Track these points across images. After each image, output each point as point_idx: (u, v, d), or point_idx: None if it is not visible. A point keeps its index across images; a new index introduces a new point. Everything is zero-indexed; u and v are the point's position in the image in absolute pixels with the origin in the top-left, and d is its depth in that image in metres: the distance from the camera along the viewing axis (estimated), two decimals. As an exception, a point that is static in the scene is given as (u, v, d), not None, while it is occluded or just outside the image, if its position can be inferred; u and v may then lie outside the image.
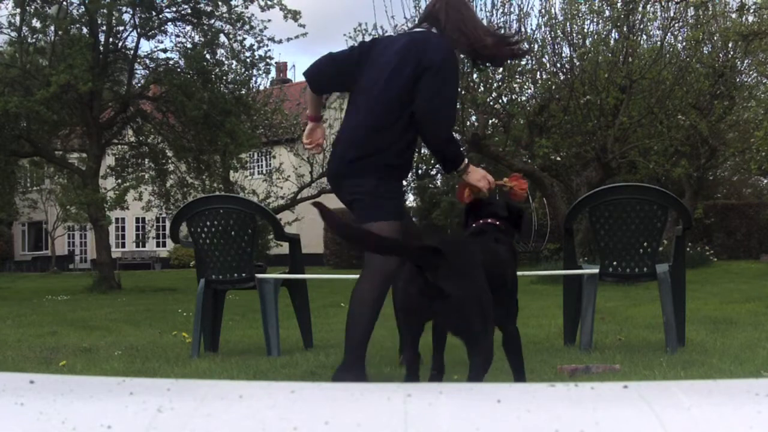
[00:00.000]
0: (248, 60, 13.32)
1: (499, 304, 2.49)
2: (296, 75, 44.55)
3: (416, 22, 4.14)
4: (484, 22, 10.86)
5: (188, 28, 13.27)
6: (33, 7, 11.85)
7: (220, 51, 13.36)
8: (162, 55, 13.49)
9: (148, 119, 14.00)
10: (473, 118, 11.10)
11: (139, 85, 13.81)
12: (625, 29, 10.70)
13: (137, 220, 30.20)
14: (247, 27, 13.00)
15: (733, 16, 12.58)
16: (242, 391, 0.78)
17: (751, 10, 11.70)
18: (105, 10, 12.14)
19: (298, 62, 65.46)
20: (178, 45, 13.32)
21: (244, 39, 13.18)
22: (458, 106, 11.02)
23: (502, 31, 10.81)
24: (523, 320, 5.67)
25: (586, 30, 11.03)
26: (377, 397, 0.77)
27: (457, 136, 14.08)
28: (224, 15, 12.96)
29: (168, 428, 0.70)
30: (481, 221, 2.86)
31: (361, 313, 3.01)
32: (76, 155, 16.13)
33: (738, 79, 14.19)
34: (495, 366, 3.43)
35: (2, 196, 13.64)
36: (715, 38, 12.74)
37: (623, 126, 10.68)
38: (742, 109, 14.43)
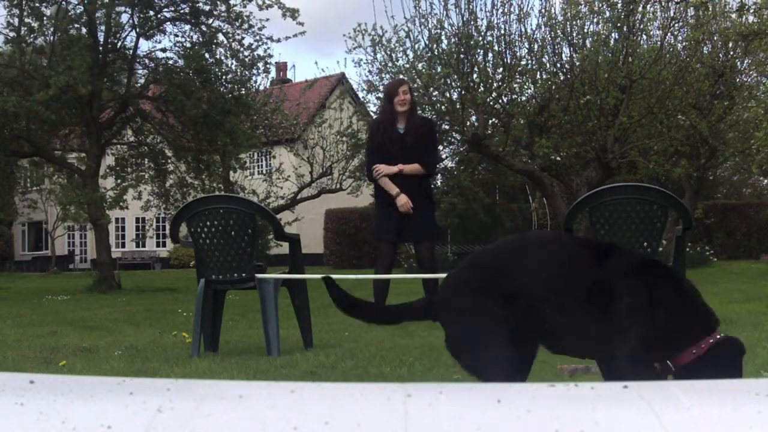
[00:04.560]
0: (247, 59, 13.32)
1: None
2: (296, 75, 44.52)
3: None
4: (484, 22, 10.87)
5: (187, 27, 13.28)
6: (29, 6, 11.84)
7: (219, 50, 13.38)
8: (161, 55, 13.51)
9: (148, 119, 14.01)
10: (473, 118, 11.09)
11: (139, 84, 13.81)
12: (625, 29, 10.70)
13: (137, 220, 30.20)
14: (245, 26, 13.00)
15: (733, 16, 12.57)
16: (242, 391, 0.78)
17: (751, 10, 11.69)
18: (104, 10, 12.14)
19: (300, 62, 65.56)
20: (177, 45, 13.33)
21: (243, 38, 13.19)
22: (458, 106, 11.03)
23: (502, 32, 10.85)
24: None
25: (586, 30, 11.03)
26: (377, 397, 0.77)
27: (457, 136, 14.12)
28: (223, 14, 12.96)
29: (168, 428, 0.70)
30: None
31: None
32: (75, 155, 16.14)
33: (738, 79, 14.18)
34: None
35: (2, 196, 13.65)
36: (715, 38, 12.74)
37: (623, 126, 10.68)
38: (742, 109, 14.42)
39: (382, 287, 5.84)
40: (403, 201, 5.61)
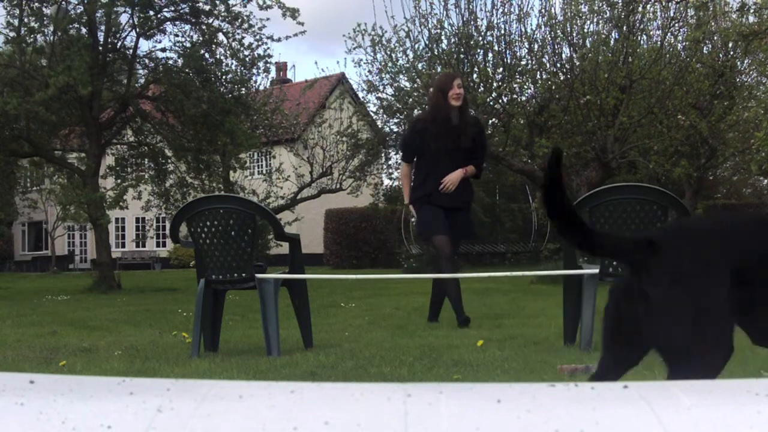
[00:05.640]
0: (247, 59, 13.32)
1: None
2: (296, 75, 44.51)
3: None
4: (484, 22, 10.88)
5: (187, 27, 13.28)
6: (29, 6, 11.84)
7: (219, 50, 13.38)
8: (161, 55, 13.51)
9: (148, 119, 14.01)
10: (473, 118, 11.09)
11: (139, 84, 13.81)
12: (625, 29, 10.70)
13: (137, 220, 30.21)
14: (245, 26, 13.00)
15: (733, 16, 12.58)
16: (242, 391, 0.78)
17: (751, 10, 11.70)
18: (104, 10, 12.13)
19: (301, 62, 65.59)
20: (177, 44, 13.33)
21: (243, 38, 13.19)
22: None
23: (502, 32, 10.86)
24: (523, 320, 5.67)
25: (586, 30, 11.03)
26: (377, 397, 0.77)
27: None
28: (222, 14, 12.96)
29: (168, 428, 0.70)
30: None
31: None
32: (75, 155, 16.15)
33: (738, 79, 14.18)
34: (495, 365, 3.43)
35: (2, 196, 13.64)
36: (715, 38, 12.74)
37: (623, 126, 10.68)
38: (742, 109, 14.43)
39: (444, 285, 5.52)
40: (413, 210, 5.54)
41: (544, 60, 11.08)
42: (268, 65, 14.18)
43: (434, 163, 5.50)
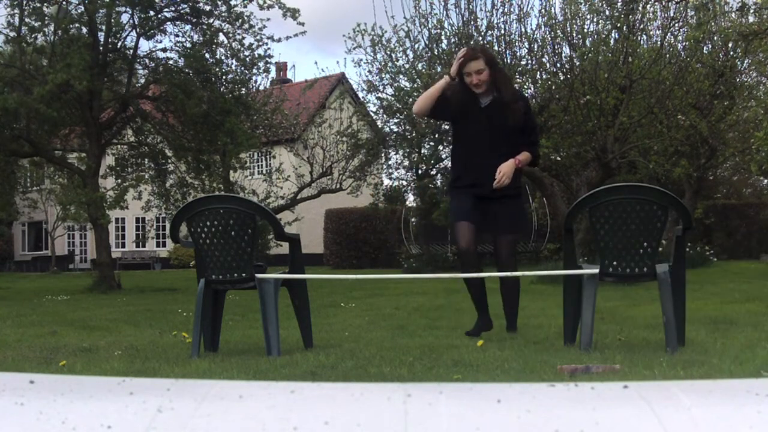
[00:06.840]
0: (247, 59, 13.32)
1: None
2: (297, 75, 44.44)
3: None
4: (484, 22, 10.88)
5: (187, 27, 13.28)
6: (29, 5, 11.85)
7: (220, 50, 13.38)
8: (161, 55, 13.51)
9: (148, 119, 14.01)
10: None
11: (139, 85, 13.81)
12: (625, 29, 10.70)
13: (137, 220, 30.21)
14: (246, 26, 13.00)
15: (733, 16, 12.57)
16: (242, 391, 0.78)
17: (751, 10, 11.69)
18: (104, 10, 12.13)
19: (303, 61, 65.57)
20: (178, 44, 13.33)
21: (243, 38, 13.19)
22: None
23: (502, 32, 10.86)
24: (524, 320, 5.67)
25: (586, 30, 11.03)
26: (377, 397, 0.77)
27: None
28: (223, 14, 12.97)
29: (168, 428, 0.70)
30: None
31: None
32: (75, 155, 16.15)
33: (738, 79, 14.19)
34: (495, 365, 3.43)
35: (2, 196, 13.64)
36: (715, 38, 12.74)
37: (623, 126, 10.68)
38: (742, 109, 14.43)
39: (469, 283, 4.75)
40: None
41: (544, 60, 11.07)
42: (268, 65, 14.20)
43: (470, 146, 4.71)
